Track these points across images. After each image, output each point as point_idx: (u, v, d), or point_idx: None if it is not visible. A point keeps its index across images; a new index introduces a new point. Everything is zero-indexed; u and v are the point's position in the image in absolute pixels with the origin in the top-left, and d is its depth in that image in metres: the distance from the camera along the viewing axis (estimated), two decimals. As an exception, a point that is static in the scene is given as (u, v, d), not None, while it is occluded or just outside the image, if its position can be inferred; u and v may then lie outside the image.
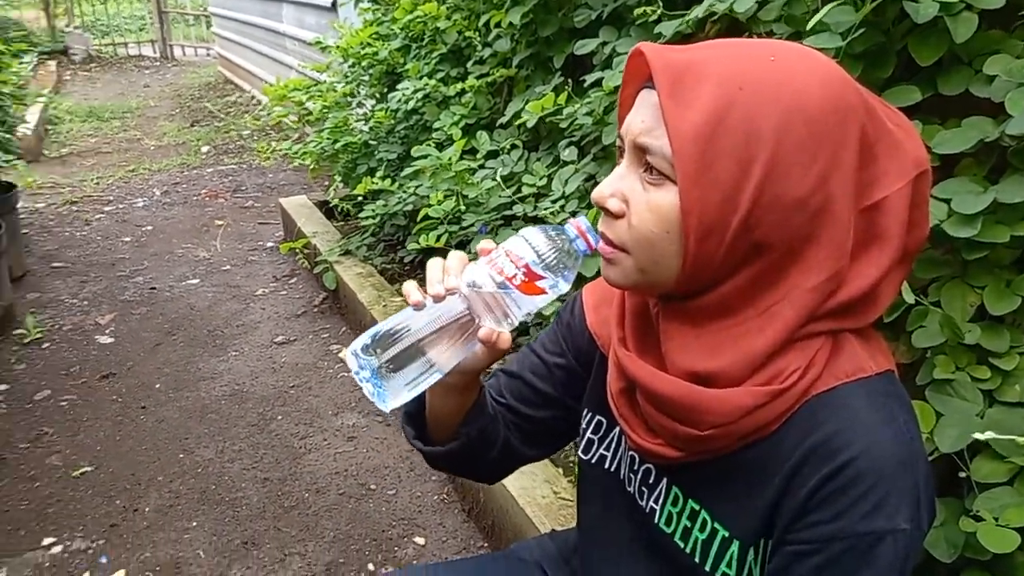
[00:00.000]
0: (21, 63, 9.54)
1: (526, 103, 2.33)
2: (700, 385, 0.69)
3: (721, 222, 0.64)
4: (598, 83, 1.95)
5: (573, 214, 2.08)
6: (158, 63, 11.34)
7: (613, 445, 0.88)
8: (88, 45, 11.10)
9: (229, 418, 2.58)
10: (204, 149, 6.34)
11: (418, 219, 2.38)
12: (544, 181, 2.24)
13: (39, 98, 6.30)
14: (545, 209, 2.14)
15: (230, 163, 5.86)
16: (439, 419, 0.88)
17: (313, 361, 2.95)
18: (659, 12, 1.67)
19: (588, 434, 0.91)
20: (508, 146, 2.43)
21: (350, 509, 2.16)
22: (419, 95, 2.65)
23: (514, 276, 0.71)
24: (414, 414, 0.90)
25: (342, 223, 3.82)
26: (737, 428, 0.68)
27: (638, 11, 1.73)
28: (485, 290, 0.71)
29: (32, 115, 6.67)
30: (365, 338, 0.71)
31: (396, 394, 0.71)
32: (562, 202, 2.12)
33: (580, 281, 0.90)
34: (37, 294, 3.54)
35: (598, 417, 0.90)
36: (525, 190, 2.27)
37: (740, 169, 0.62)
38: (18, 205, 3.69)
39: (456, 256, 0.75)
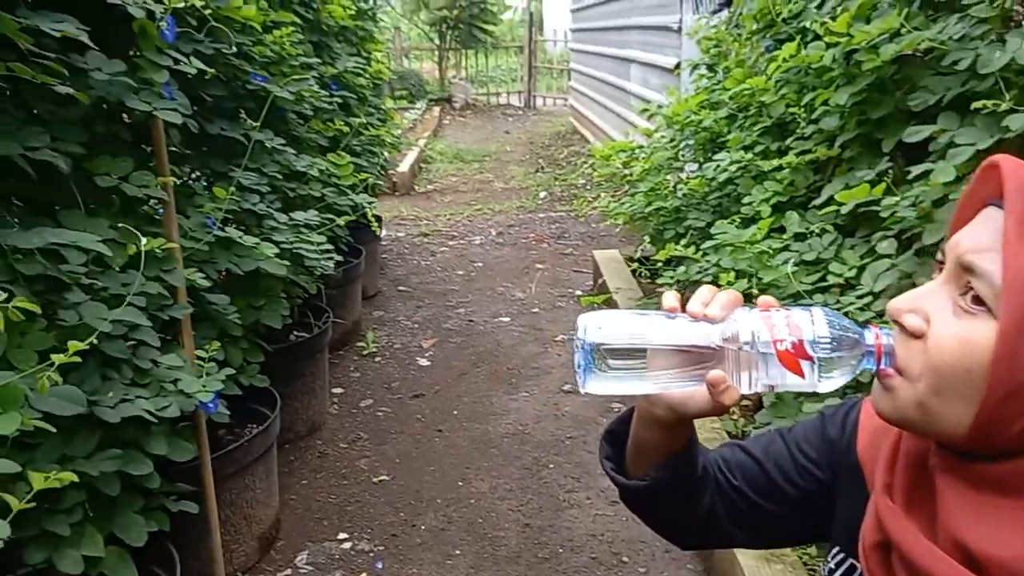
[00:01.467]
0: (414, 108, 11.24)
1: (845, 186, 2.14)
2: (970, 570, 0.57)
3: None
4: (928, 173, 1.72)
5: (880, 315, 1.85)
6: (521, 111, 12.61)
7: None
8: (467, 94, 12.75)
9: (507, 456, 2.74)
10: (541, 194, 6.87)
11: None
12: (853, 272, 2.03)
13: (413, 146, 7.35)
14: (849, 304, 1.93)
15: (560, 210, 6.27)
16: (638, 449, 0.83)
17: (594, 415, 3.01)
18: (1009, 103, 1.43)
19: (836, 574, 0.80)
20: (819, 229, 2.25)
21: (596, 577, 2.16)
22: (735, 167, 2.59)
23: (781, 341, 0.64)
24: (617, 431, 0.87)
25: (648, 281, 3.85)
26: None
27: (985, 101, 1.50)
28: (743, 338, 0.67)
29: (411, 155, 7.86)
30: (603, 318, 0.70)
31: (599, 381, 0.70)
32: (869, 299, 1.90)
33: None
34: (381, 312, 4.14)
35: (850, 560, 0.78)
36: (830, 279, 2.08)
37: None
38: (381, 235, 4.36)
39: (733, 293, 0.72)
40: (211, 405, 1.60)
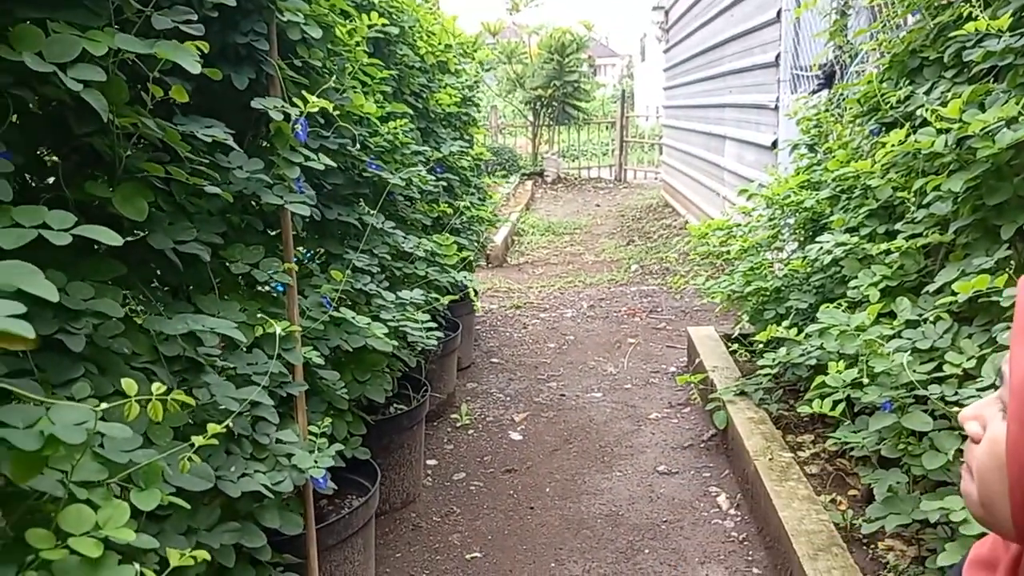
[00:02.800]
0: (508, 182, 11.54)
1: (961, 273, 2.07)
2: None
3: None
4: (1054, 265, 1.64)
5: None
6: (612, 185, 12.75)
7: None
8: (559, 168, 13.02)
9: (601, 539, 2.69)
10: (633, 267, 6.87)
11: (814, 383, 2.24)
12: (972, 363, 1.94)
13: (506, 220, 7.52)
14: (969, 397, 1.84)
15: (653, 283, 6.24)
16: None
17: (690, 499, 2.92)
18: None
19: None
20: (933, 317, 2.17)
21: (695, 676, 2.06)
22: (840, 249, 2.54)
23: None
24: None
25: (746, 360, 3.77)
26: None
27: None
28: None
29: (504, 228, 8.05)
30: None
31: None
32: (992, 391, 1.80)
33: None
34: (475, 384, 4.19)
35: None
36: (947, 369, 1.99)
37: None
38: (476, 307, 4.45)
39: None
40: (322, 481, 1.66)
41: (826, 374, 2.27)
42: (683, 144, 8.95)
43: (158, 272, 1.52)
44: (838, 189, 2.96)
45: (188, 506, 1.09)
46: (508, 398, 4.00)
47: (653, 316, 5.36)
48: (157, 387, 0.91)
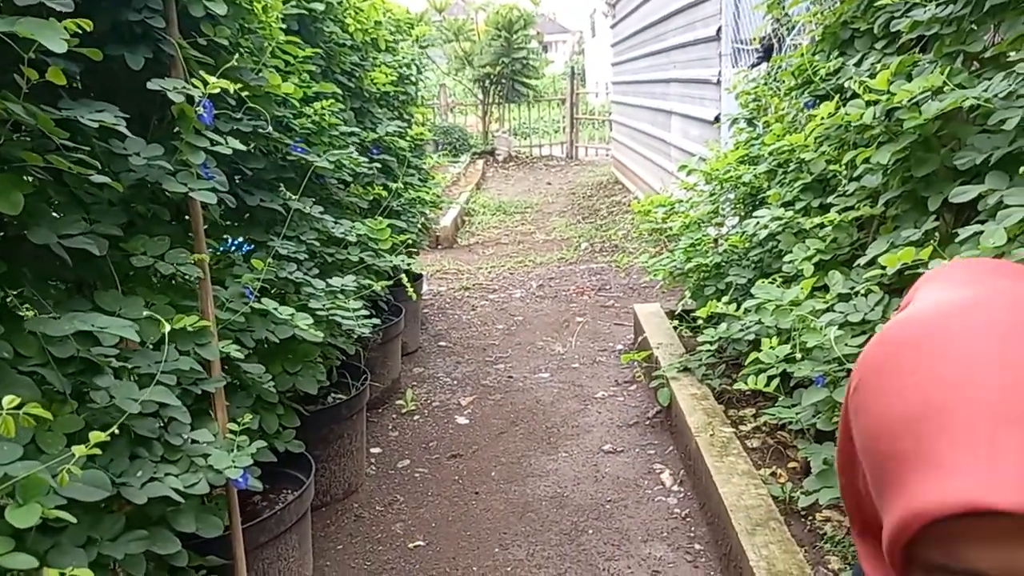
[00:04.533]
0: (458, 162, 11.43)
1: (890, 245, 2.07)
2: None
3: None
4: (978, 235, 1.65)
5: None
6: (563, 162, 12.71)
7: None
8: (510, 146, 12.92)
9: (545, 521, 2.68)
10: (583, 246, 6.86)
11: (748, 360, 2.24)
12: (902, 336, 1.95)
13: (455, 201, 7.43)
14: (898, 370, 1.85)
15: (602, 261, 6.24)
16: None
17: (635, 477, 2.92)
18: (1059, 166, 1.36)
19: None
20: (864, 290, 2.18)
21: (637, 656, 2.06)
22: (776, 223, 2.54)
23: None
24: None
25: (689, 336, 3.78)
26: None
27: (1032, 161, 1.44)
28: None
29: (454, 209, 7.95)
30: None
31: None
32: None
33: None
34: (421, 369, 4.14)
35: None
36: (878, 343, 2.00)
37: None
38: (423, 291, 4.38)
39: None
40: (241, 480, 1.60)
41: (761, 354, 2.27)
42: (631, 120, 8.95)
43: (55, 268, 1.43)
44: (775, 163, 2.95)
45: (74, 520, 1.02)
46: (455, 382, 3.95)
47: (601, 294, 5.35)
48: (9, 400, 0.83)
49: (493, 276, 5.96)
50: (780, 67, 3.41)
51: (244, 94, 1.75)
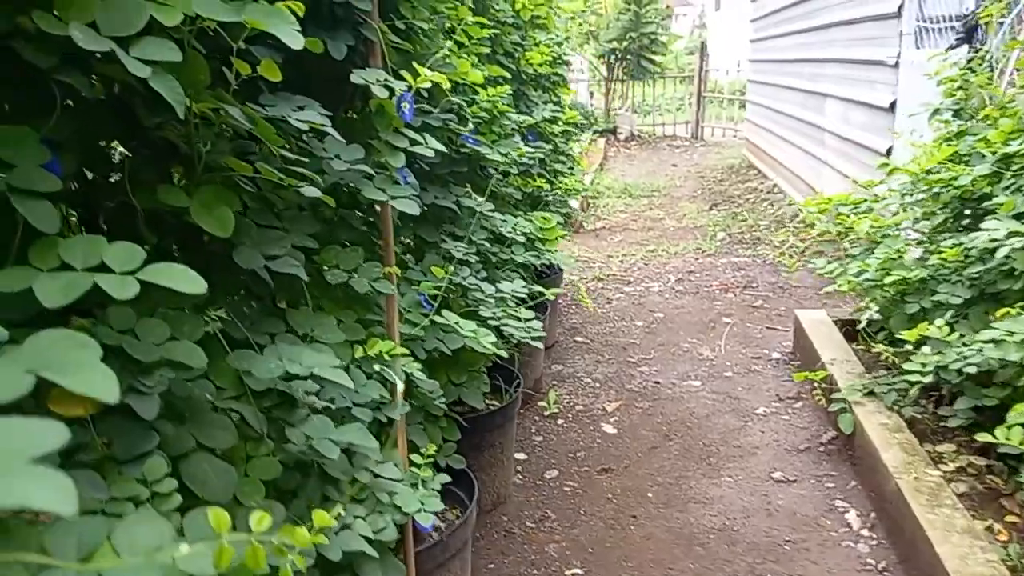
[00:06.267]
0: (579, 140, 11.13)
1: None
2: None
3: None
4: None
5: None
6: (688, 143, 12.16)
7: None
8: (632, 125, 12.47)
9: (716, 560, 2.41)
10: (720, 236, 6.45)
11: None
12: None
13: (584, 191, 7.20)
14: None
15: (743, 254, 5.83)
16: None
17: (814, 514, 2.61)
18: None
19: None
20: None
21: None
22: (1018, 240, 2.15)
23: None
24: None
25: (863, 348, 3.40)
26: None
27: None
28: None
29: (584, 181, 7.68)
30: None
31: None
32: None
33: None
34: (560, 366, 3.93)
35: None
36: None
37: None
38: (546, 295, 4.15)
39: None
40: (427, 526, 1.42)
41: (988, 386, 1.91)
42: (772, 101, 8.37)
43: (248, 283, 1.27)
44: (1002, 165, 2.53)
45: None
46: (597, 384, 3.72)
47: (748, 292, 4.97)
48: (258, 521, 0.65)
49: (626, 266, 5.67)
50: (998, 48, 2.95)
51: (447, 85, 1.55)
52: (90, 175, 1.05)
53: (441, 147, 1.43)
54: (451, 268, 1.93)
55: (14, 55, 0.71)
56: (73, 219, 1.01)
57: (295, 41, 0.81)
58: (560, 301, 4.79)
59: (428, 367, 2.00)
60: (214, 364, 1.08)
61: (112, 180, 1.06)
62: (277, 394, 1.16)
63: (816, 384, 3.19)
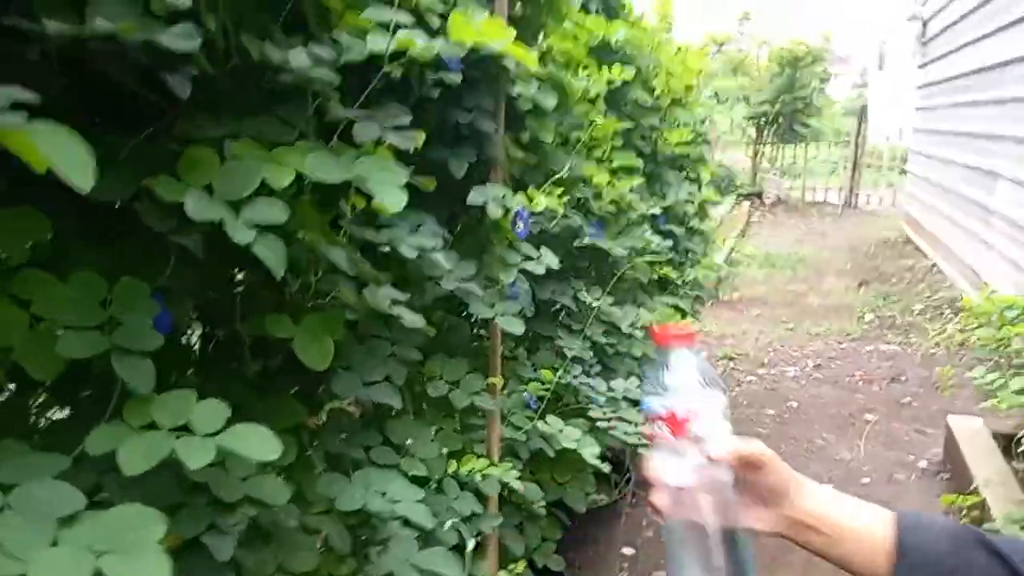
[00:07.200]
0: (722, 204, 10.85)
1: None
2: None
3: None
4: None
5: None
6: (839, 210, 11.56)
7: None
8: (780, 189, 12.04)
9: None
10: (867, 317, 6.03)
11: None
12: None
13: (719, 248, 7.00)
14: None
15: (893, 341, 5.40)
16: None
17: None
18: None
19: None
20: None
21: None
22: None
23: None
24: None
25: (1026, 471, 3.02)
26: None
27: None
28: None
29: (717, 258, 7.46)
30: None
31: None
32: None
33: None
34: (680, 452, 3.76)
35: None
36: None
37: None
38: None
39: None
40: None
41: None
42: (937, 174, 7.81)
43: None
44: None
45: None
46: (718, 476, 3.52)
47: (895, 385, 4.59)
48: None
49: (761, 345, 5.41)
50: None
51: (562, 202, 1.54)
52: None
53: (555, 263, 1.41)
54: (563, 366, 1.90)
55: (133, 215, 0.76)
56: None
57: (398, 203, 0.82)
58: (686, 378, 4.62)
59: (532, 464, 1.97)
60: (303, 481, 1.10)
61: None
62: (361, 512, 1.16)
63: (966, 510, 2.86)
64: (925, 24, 8.87)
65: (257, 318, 0.99)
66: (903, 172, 10.77)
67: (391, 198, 0.82)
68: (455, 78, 1.12)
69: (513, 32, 0.97)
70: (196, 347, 1.11)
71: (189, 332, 1.06)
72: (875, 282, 7.15)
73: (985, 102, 6.29)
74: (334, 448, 1.17)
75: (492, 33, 0.91)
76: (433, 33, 1.00)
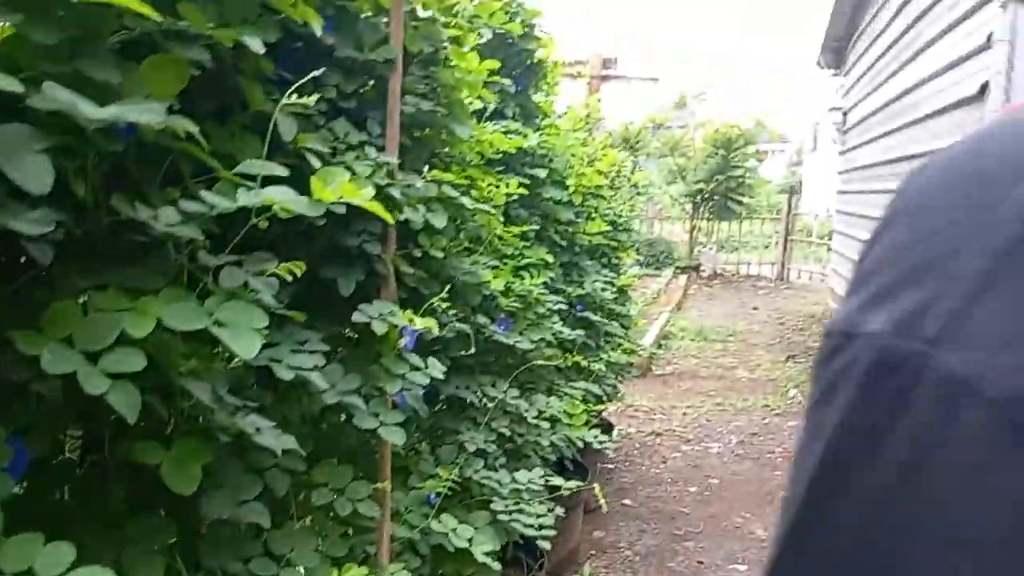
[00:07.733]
0: (660, 276, 11.08)
1: None
2: None
3: None
4: None
5: None
6: (772, 284, 12.00)
7: None
8: (716, 262, 12.45)
9: None
10: (792, 393, 6.23)
11: None
12: None
13: (655, 321, 7.14)
14: None
15: (814, 419, 5.58)
16: None
17: None
18: None
19: None
20: None
21: None
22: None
23: None
24: None
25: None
26: None
27: None
28: None
29: (652, 331, 7.65)
30: None
31: None
32: None
33: None
34: (602, 533, 3.81)
35: None
36: None
37: None
38: (610, 451, 4.09)
39: None
40: None
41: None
42: (855, 253, 8.21)
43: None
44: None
45: None
46: (638, 557, 3.58)
47: (812, 464, 4.73)
48: None
49: (688, 421, 5.54)
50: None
51: (452, 317, 1.63)
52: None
53: (440, 374, 1.49)
54: (464, 460, 1.95)
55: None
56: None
57: (251, 349, 0.89)
58: (613, 455, 4.69)
59: (435, 559, 2.00)
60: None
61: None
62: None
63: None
64: (845, 115, 9.47)
65: (127, 444, 1.03)
66: (829, 249, 11.28)
67: (245, 343, 0.89)
68: (320, 220, 1.20)
69: (371, 191, 1.06)
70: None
71: (65, 454, 1.09)
72: (802, 356, 7.41)
73: (893, 191, 6.70)
74: (210, 563, 1.21)
75: (350, 193, 1.01)
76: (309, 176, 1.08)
